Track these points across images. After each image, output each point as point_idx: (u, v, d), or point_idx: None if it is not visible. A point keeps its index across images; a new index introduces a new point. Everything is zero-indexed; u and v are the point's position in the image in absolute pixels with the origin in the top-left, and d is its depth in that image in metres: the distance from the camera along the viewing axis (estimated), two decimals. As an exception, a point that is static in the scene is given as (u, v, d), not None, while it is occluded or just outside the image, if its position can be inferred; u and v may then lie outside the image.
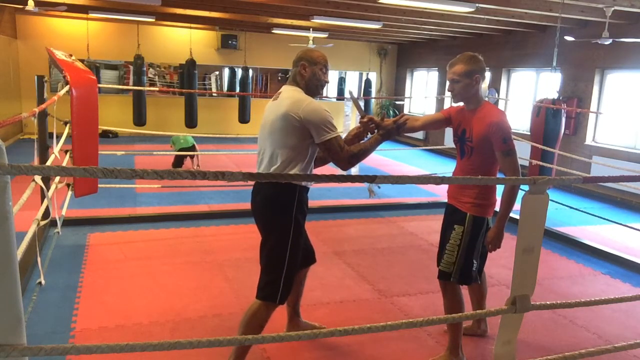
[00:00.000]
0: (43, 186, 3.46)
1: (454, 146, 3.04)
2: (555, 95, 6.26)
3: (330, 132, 2.52)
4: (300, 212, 2.65)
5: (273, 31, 11.44)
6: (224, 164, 9.42)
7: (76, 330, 3.21)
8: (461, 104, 2.97)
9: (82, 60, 6.98)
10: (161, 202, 6.41)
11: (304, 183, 2.63)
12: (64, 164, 4.21)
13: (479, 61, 2.83)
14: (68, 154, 4.65)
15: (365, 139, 2.88)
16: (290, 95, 2.60)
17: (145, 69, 10.59)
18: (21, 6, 8.18)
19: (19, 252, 2.88)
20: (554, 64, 6.33)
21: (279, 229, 2.61)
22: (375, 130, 2.81)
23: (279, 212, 2.61)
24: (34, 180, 3.30)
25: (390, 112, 14.54)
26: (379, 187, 7.18)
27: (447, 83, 2.92)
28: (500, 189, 2.81)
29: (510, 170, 2.74)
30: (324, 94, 15.64)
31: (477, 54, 2.86)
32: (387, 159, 10.72)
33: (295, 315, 3.20)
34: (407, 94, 14.33)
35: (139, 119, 10.48)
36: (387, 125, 2.74)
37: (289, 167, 2.56)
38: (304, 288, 3.18)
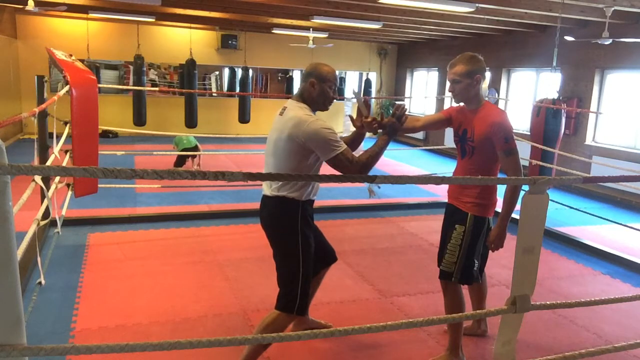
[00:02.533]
0: (43, 186, 3.46)
1: (454, 146, 3.04)
2: (555, 95, 6.26)
3: (335, 149, 2.48)
4: (306, 224, 2.68)
5: (273, 31, 11.44)
6: (224, 164, 9.42)
7: (76, 330, 3.21)
8: (462, 104, 2.97)
9: (82, 60, 6.98)
10: (161, 202, 6.41)
11: (303, 196, 2.64)
12: (64, 164, 4.21)
13: (480, 61, 2.83)
14: (68, 154, 4.65)
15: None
16: (293, 115, 2.57)
17: (145, 69, 10.59)
18: (21, 6, 8.18)
19: (19, 252, 2.88)
20: (554, 64, 6.33)
21: (288, 244, 2.65)
22: (379, 131, 2.76)
23: (285, 227, 2.65)
24: (34, 180, 3.30)
25: (390, 112, 14.52)
26: (379, 187, 7.18)
27: (448, 84, 2.92)
28: (501, 189, 2.81)
29: (512, 169, 2.74)
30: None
31: (477, 54, 2.86)
32: (387, 159, 10.71)
33: None
34: (407, 94, 14.33)
35: (139, 119, 10.48)
36: (388, 121, 2.64)
37: (291, 187, 2.59)
38: (319, 287, 3.19)
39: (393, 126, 2.63)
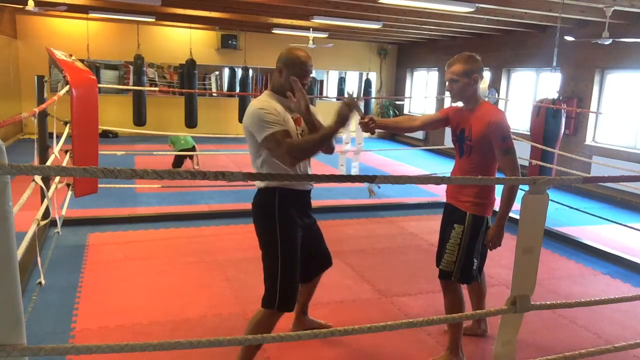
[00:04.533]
0: (43, 186, 3.45)
1: (453, 146, 3.05)
2: (555, 95, 6.26)
3: (265, 129, 2.35)
4: (285, 214, 2.56)
5: (273, 31, 11.45)
6: (224, 164, 9.42)
7: (76, 330, 3.21)
8: (459, 103, 2.98)
9: (82, 60, 6.98)
10: (161, 202, 6.41)
11: (287, 184, 2.53)
12: (64, 164, 4.21)
13: (477, 61, 2.84)
14: (68, 154, 4.65)
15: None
16: (251, 104, 2.54)
17: (145, 69, 10.59)
18: (21, 6, 8.18)
19: (19, 252, 2.88)
20: (554, 64, 6.33)
21: (266, 236, 2.61)
22: (377, 131, 2.78)
23: (263, 219, 2.61)
24: (34, 180, 3.30)
25: (390, 112, 14.54)
26: (379, 187, 7.17)
27: (446, 83, 2.92)
28: (499, 188, 2.81)
29: (509, 168, 2.75)
30: (324, 94, 15.63)
31: (475, 53, 2.87)
32: (387, 159, 10.72)
33: (302, 313, 3.21)
34: (407, 94, 14.33)
35: (139, 119, 10.48)
36: (339, 108, 2.42)
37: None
38: (316, 289, 3.18)
39: (341, 112, 2.39)
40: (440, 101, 12.40)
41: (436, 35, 11.45)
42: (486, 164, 2.85)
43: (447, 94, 2.96)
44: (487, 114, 2.81)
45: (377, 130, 2.82)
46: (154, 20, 10.28)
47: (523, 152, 5.98)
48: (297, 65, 2.52)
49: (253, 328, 2.60)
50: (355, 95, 2.51)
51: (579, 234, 5.69)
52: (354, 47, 14.12)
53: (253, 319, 2.64)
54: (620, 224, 5.80)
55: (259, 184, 2.61)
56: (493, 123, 2.75)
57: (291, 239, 2.60)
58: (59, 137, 4.63)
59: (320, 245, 2.93)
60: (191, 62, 10.77)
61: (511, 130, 2.86)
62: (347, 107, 2.40)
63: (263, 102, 2.50)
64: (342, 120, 2.42)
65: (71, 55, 4.92)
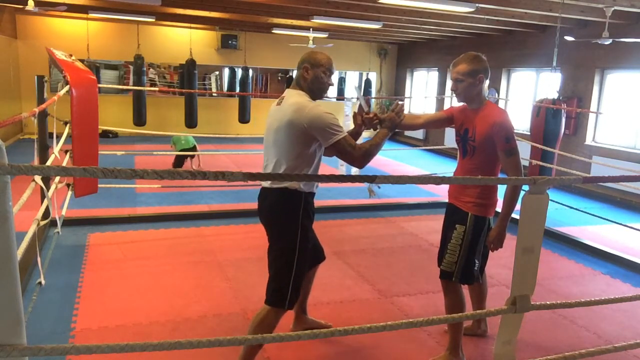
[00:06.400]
0: (43, 186, 3.45)
1: (454, 146, 3.05)
2: (555, 95, 6.26)
3: (337, 133, 2.50)
4: (307, 217, 2.66)
5: (273, 31, 11.45)
6: (224, 164, 9.42)
7: (76, 330, 3.21)
8: (463, 103, 2.98)
9: (82, 60, 6.98)
10: (161, 202, 6.41)
11: (305, 187, 2.61)
12: (64, 164, 4.21)
13: (483, 61, 2.83)
14: (68, 154, 4.65)
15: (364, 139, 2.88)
16: (293, 102, 2.56)
17: (145, 69, 10.59)
18: (21, 6, 8.18)
19: (19, 252, 2.88)
20: (554, 64, 6.33)
21: (286, 235, 2.63)
22: (379, 127, 2.81)
23: (286, 218, 2.62)
24: (34, 180, 3.30)
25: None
26: (379, 187, 7.18)
27: (451, 82, 2.92)
28: (501, 189, 2.81)
29: (512, 169, 2.74)
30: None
31: (481, 53, 2.86)
32: (387, 159, 10.71)
33: (301, 312, 3.22)
34: (407, 94, 14.33)
35: (139, 119, 10.49)
36: (387, 116, 2.76)
37: None
38: (312, 286, 3.20)
39: (392, 120, 2.74)
40: (440, 101, 12.39)
41: (436, 35, 11.45)
42: (489, 165, 2.85)
43: (448, 94, 2.97)
44: (491, 114, 2.80)
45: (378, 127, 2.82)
46: (154, 20, 10.28)
47: (523, 152, 5.97)
48: (323, 65, 2.65)
49: (258, 326, 2.60)
50: (361, 91, 2.59)
51: (579, 234, 5.69)
52: (354, 47, 14.12)
53: (257, 317, 2.64)
54: (620, 224, 5.80)
55: (279, 184, 2.59)
56: (497, 124, 2.74)
57: (308, 241, 2.68)
58: (59, 137, 4.63)
59: (316, 239, 2.98)
60: (191, 62, 10.77)
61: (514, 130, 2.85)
62: (396, 115, 2.73)
63: (318, 105, 2.58)
64: (392, 126, 2.74)
65: (71, 55, 4.92)
